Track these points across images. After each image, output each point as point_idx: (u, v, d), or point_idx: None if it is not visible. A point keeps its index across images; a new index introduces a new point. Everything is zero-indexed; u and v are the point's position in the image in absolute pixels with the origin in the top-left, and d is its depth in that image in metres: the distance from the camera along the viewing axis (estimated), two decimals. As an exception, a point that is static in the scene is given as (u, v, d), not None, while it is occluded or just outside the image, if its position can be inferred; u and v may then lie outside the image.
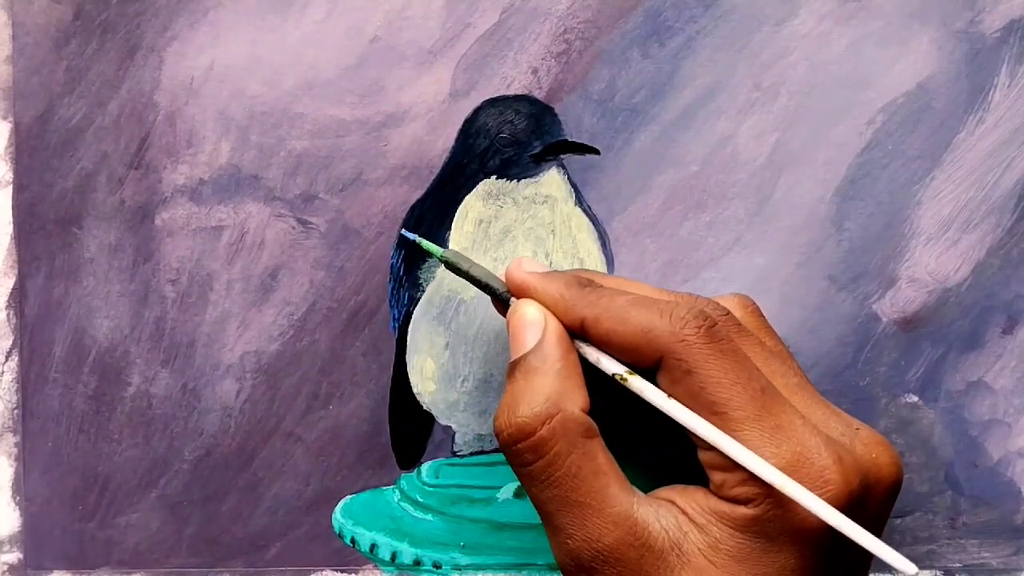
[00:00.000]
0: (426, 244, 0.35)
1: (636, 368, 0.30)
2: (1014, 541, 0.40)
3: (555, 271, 0.33)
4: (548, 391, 0.30)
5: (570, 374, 0.31)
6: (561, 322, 0.31)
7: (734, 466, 0.28)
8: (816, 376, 0.39)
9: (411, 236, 0.35)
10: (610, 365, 0.31)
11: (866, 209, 0.40)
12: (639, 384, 0.30)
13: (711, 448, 0.29)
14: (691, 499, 0.30)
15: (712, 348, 0.29)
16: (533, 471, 0.30)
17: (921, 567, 0.40)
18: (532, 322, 0.31)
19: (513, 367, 0.31)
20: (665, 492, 0.30)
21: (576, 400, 0.30)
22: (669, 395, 0.30)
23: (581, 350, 0.31)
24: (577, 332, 0.31)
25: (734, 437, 0.29)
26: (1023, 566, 0.40)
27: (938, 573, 0.40)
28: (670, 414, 0.30)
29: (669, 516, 0.29)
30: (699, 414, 0.29)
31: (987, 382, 0.40)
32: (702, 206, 0.40)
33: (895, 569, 0.27)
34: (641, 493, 0.30)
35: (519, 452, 0.30)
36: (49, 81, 0.39)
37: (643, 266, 0.40)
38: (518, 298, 0.32)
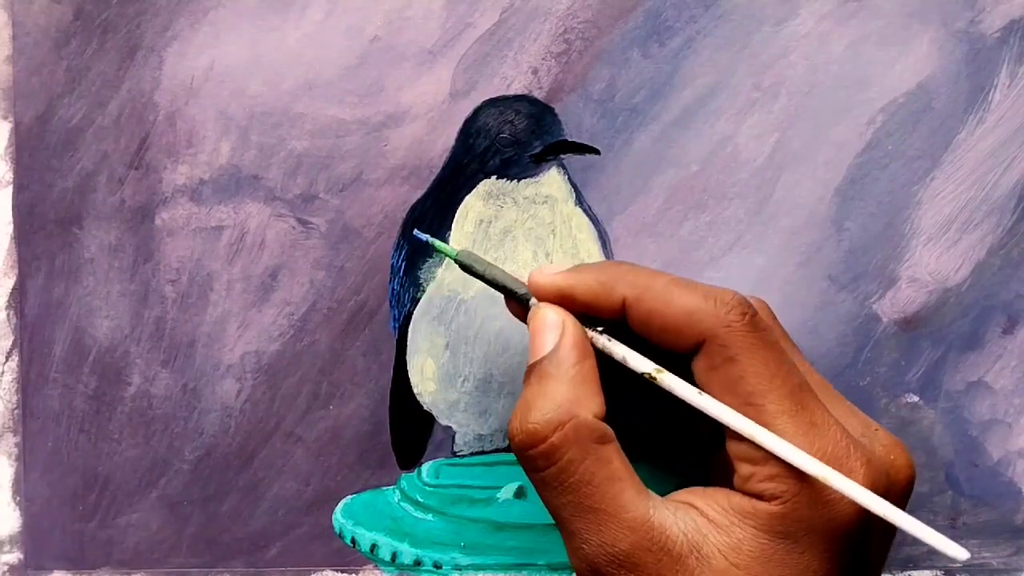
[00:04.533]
0: (439, 245, 0.34)
1: (663, 361, 0.30)
2: (1014, 541, 0.40)
3: (583, 264, 0.32)
4: (560, 398, 0.29)
5: (585, 379, 0.30)
6: (600, 307, 0.30)
7: (765, 460, 0.28)
8: (816, 376, 0.39)
9: (423, 237, 0.35)
10: (638, 363, 0.30)
11: (866, 209, 0.40)
12: (670, 381, 0.30)
13: (743, 440, 0.28)
14: (711, 500, 0.29)
15: (755, 337, 0.29)
16: (546, 477, 0.29)
17: (921, 567, 0.40)
18: (551, 325, 0.31)
19: (529, 371, 0.31)
20: (683, 495, 0.30)
21: (590, 406, 0.29)
22: (704, 381, 0.29)
23: (607, 348, 0.31)
24: (616, 315, 0.30)
25: (769, 431, 0.28)
26: (1023, 566, 0.40)
27: (938, 573, 0.40)
28: (703, 409, 0.29)
29: (688, 519, 0.29)
30: (733, 404, 0.29)
31: (987, 382, 0.40)
32: (702, 206, 0.40)
33: (948, 556, 0.27)
34: (658, 497, 0.30)
35: (531, 458, 0.29)
36: (49, 81, 0.39)
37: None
38: (546, 300, 0.31)
